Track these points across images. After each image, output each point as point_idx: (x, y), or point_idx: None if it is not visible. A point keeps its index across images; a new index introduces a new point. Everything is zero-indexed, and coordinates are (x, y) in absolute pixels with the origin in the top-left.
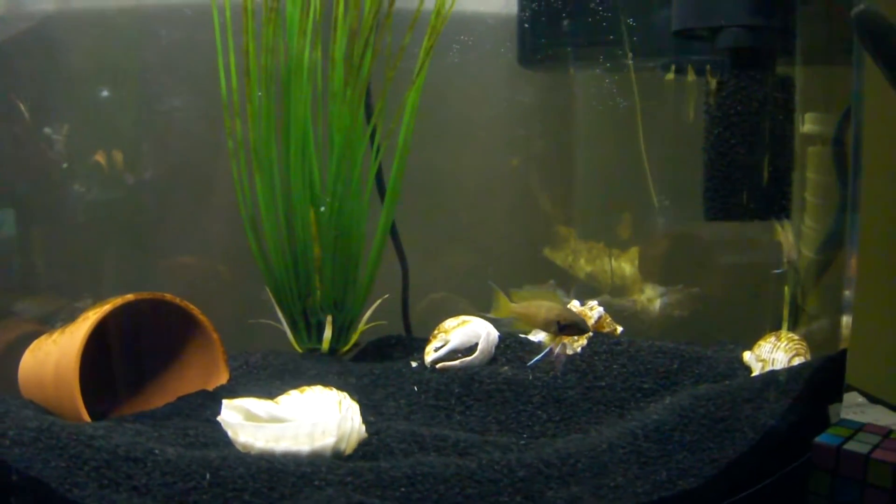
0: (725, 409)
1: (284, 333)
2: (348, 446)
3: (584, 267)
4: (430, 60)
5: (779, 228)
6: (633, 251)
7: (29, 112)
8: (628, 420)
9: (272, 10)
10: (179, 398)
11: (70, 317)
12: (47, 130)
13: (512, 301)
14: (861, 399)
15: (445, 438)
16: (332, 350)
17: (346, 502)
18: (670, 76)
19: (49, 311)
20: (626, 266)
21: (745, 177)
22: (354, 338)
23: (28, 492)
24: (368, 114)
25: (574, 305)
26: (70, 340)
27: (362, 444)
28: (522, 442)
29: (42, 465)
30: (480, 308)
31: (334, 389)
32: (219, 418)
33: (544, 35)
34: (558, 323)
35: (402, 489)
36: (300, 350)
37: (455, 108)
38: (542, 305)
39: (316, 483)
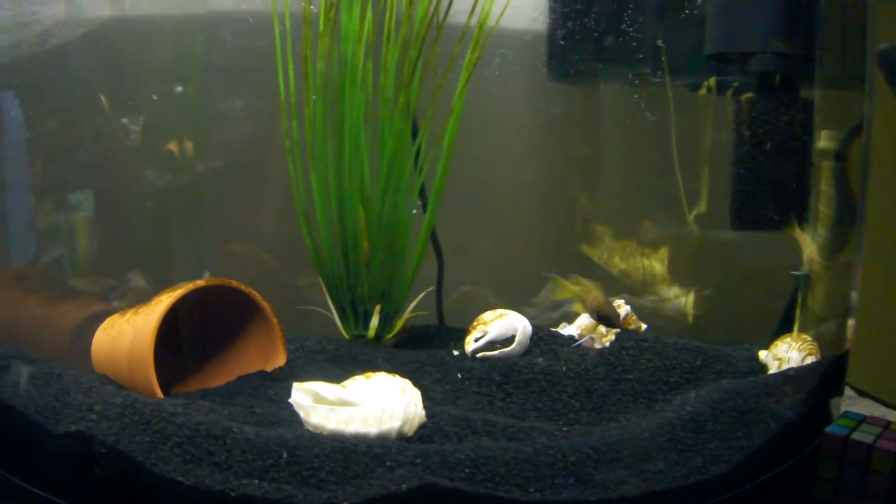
0: (751, 402)
1: (326, 319)
2: (410, 429)
3: (618, 264)
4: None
5: (799, 234)
6: (663, 251)
7: (109, 105)
8: (662, 411)
9: (329, 20)
10: (239, 377)
11: (123, 295)
12: (124, 121)
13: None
14: (852, 393)
15: (494, 423)
16: (377, 337)
17: (418, 483)
18: (703, 91)
19: (103, 289)
20: (657, 265)
21: (771, 189)
22: (398, 326)
23: (114, 464)
24: (414, 131)
25: None
26: (145, 321)
27: (420, 428)
28: (565, 429)
29: (128, 440)
30: (506, 300)
31: (397, 376)
32: (290, 400)
33: (573, 51)
34: (598, 312)
35: (467, 470)
36: (347, 336)
37: (488, 117)
38: (590, 292)
39: (388, 463)
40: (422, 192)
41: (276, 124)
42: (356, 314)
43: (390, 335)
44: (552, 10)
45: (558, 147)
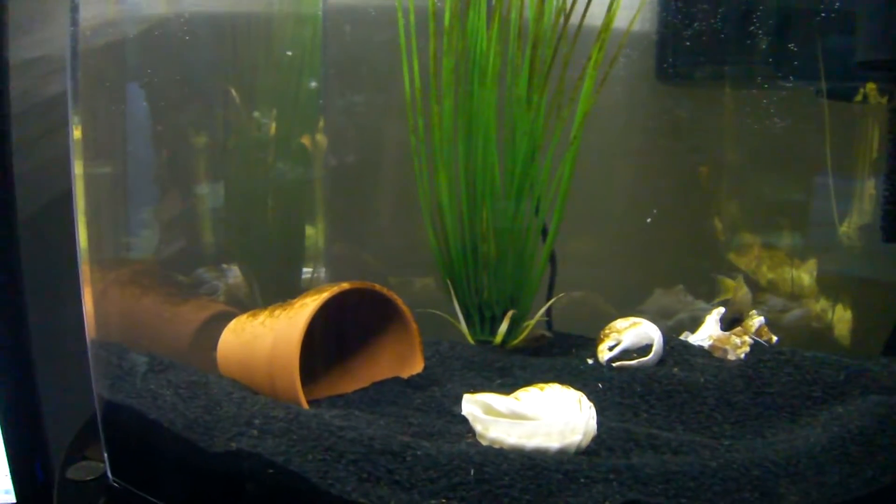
0: None
1: (442, 322)
2: (587, 443)
3: (766, 273)
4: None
5: None
6: (812, 262)
7: (240, 99)
8: (812, 426)
9: (455, 16)
10: (374, 384)
11: (213, 291)
12: (256, 114)
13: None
14: None
15: (656, 437)
16: (503, 343)
17: (622, 500)
18: (858, 98)
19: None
20: (805, 276)
21: None
22: (525, 332)
23: (285, 487)
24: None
25: (720, 313)
26: (289, 325)
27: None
28: (727, 443)
29: (300, 459)
30: (617, 306)
31: (571, 388)
32: (464, 412)
33: (683, 53)
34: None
35: (660, 485)
36: (472, 341)
37: (607, 118)
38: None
39: (581, 480)
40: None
41: (394, 122)
42: (482, 319)
43: (516, 341)
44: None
45: (680, 152)
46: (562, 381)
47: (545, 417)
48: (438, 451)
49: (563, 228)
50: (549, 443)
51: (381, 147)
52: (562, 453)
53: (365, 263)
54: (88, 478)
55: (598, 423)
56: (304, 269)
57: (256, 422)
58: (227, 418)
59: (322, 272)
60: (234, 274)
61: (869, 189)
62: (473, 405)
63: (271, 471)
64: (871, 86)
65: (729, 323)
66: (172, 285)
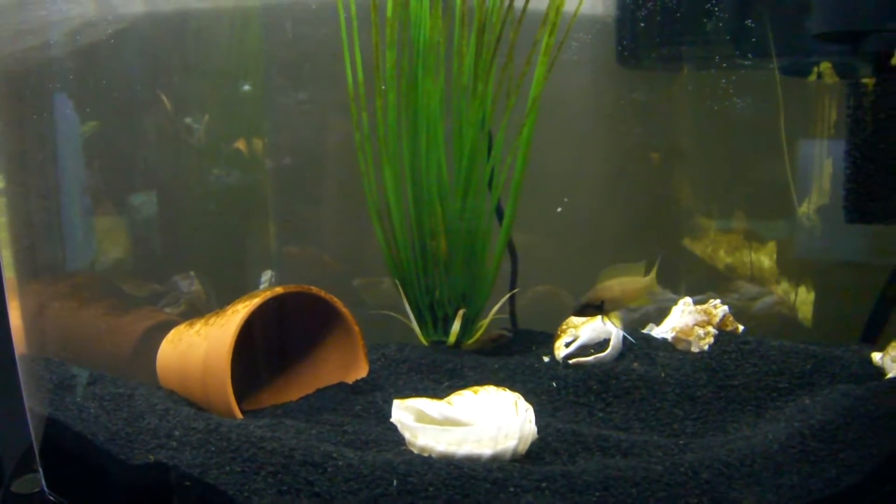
0: (883, 408)
1: (395, 323)
2: (524, 448)
3: (723, 258)
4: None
5: None
6: (771, 245)
7: (171, 103)
8: (778, 420)
9: (399, 4)
10: (319, 390)
11: (174, 301)
12: (188, 120)
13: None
14: None
15: (606, 438)
16: (457, 343)
17: None
18: (812, 77)
19: (152, 293)
20: (765, 259)
21: (890, 180)
22: (480, 331)
23: (199, 499)
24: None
25: (687, 303)
26: (221, 333)
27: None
28: (681, 442)
29: (216, 471)
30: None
31: (507, 390)
32: (393, 419)
33: (643, 35)
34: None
35: (598, 493)
36: (425, 342)
37: (563, 106)
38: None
39: (511, 489)
40: (489, 185)
41: (337, 118)
42: (435, 319)
43: (471, 341)
44: None
45: (639, 137)
46: (515, 381)
47: (478, 422)
48: (361, 460)
49: (520, 222)
50: (480, 449)
51: (332, 144)
52: (494, 460)
53: (325, 265)
54: (32, 490)
55: (546, 424)
56: (264, 274)
57: (176, 433)
58: (148, 430)
59: (267, 274)
60: (193, 282)
61: (827, 168)
62: (404, 411)
63: (188, 483)
64: (825, 65)
65: (580, 308)
66: (114, 296)
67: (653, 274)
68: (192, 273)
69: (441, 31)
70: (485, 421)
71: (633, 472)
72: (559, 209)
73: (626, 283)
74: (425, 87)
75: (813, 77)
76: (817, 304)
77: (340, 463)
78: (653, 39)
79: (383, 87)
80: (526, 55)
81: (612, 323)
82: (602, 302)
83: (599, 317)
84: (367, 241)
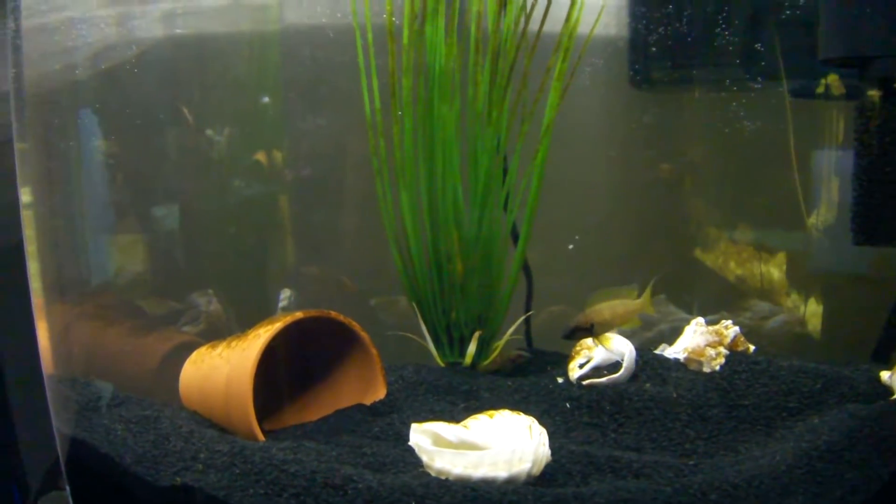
0: (888, 429)
1: (411, 344)
2: (538, 470)
3: (734, 269)
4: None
5: None
6: (781, 256)
7: (193, 117)
8: (787, 439)
9: (414, 31)
10: (337, 412)
11: (194, 320)
12: (209, 132)
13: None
14: None
15: (618, 459)
16: (473, 364)
17: None
18: (820, 90)
19: (171, 311)
20: (775, 271)
21: None
22: (496, 352)
23: None
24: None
25: (700, 323)
26: (242, 357)
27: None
28: (692, 463)
29: (241, 494)
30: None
31: (522, 414)
32: (411, 443)
33: (656, 58)
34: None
35: None
36: (441, 363)
37: (572, 127)
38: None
39: None
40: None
41: (356, 141)
42: (451, 340)
43: (487, 361)
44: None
45: (654, 160)
46: (529, 403)
47: (494, 446)
48: (381, 483)
49: (535, 244)
50: (496, 472)
51: (352, 165)
52: (510, 482)
53: (343, 286)
54: None
55: (559, 446)
56: (283, 293)
57: (202, 456)
58: (174, 453)
59: (286, 293)
60: (212, 301)
61: (835, 186)
62: (421, 435)
63: None
64: (832, 77)
65: (570, 331)
66: (137, 316)
67: (646, 295)
68: (210, 291)
69: (456, 58)
70: (500, 444)
71: (642, 495)
72: (570, 246)
73: (617, 305)
74: (441, 113)
75: (821, 89)
76: (828, 320)
77: (360, 486)
78: (665, 62)
79: (399, 114)
80: (540, 79)
81: (603, 346)
82: (592, 325)
83: (615, 337)
84: (385, 258)
